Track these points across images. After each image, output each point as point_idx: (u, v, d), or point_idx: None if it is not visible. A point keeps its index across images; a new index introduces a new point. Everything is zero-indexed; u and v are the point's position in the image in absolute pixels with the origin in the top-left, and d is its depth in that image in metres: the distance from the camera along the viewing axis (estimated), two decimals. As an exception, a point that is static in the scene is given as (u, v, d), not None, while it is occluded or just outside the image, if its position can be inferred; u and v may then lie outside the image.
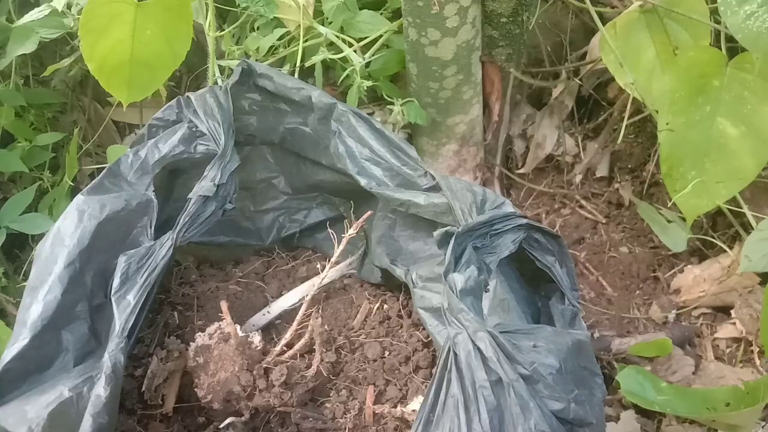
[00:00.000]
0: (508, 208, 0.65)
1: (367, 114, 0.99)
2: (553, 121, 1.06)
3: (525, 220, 0.63)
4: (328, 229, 0.76)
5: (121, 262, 0.63)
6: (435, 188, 0.68)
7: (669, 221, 0.96)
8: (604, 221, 1.03)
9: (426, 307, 0.65)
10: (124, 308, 0.60)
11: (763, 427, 0.77)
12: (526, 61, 1.00)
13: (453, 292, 0.56)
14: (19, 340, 0.59)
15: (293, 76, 0.88)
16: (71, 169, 1.03)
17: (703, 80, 0.76)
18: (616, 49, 0.79)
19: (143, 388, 0.66)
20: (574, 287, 0.67)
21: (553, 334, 0.57)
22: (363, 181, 0.71)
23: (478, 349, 0.52)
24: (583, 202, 1.05)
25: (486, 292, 0.61)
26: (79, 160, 1.09)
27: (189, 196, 0.68)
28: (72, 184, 1.02)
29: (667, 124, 0.75)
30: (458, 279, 0.57)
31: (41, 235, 1.01)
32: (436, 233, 0.60)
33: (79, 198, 0.67)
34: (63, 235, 0.65)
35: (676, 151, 0.77)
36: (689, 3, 0.77)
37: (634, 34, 0.81)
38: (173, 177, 0.77)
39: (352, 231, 0.71)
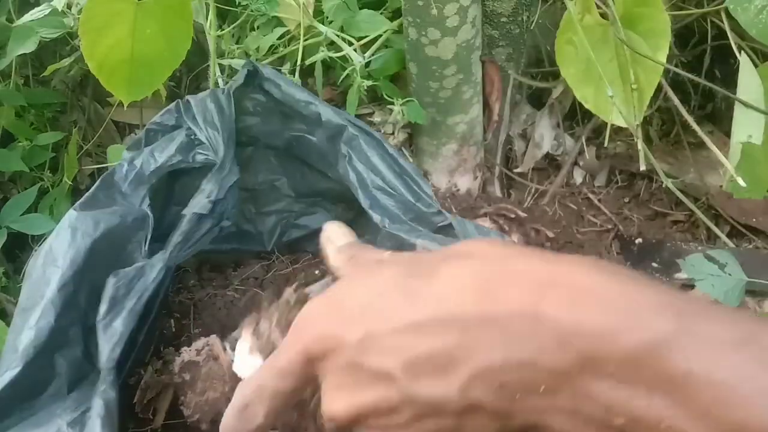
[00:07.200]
0: None
1: (367, 114, 0.99)
2: (551, 120, 1.06)
3: None
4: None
5: (110, 284, 0.59)
6: (449, 227, 0.65)
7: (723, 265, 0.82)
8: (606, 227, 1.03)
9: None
10: (110, 336, 0.56)
11: None
12: (526, 61, 1.00)
13: None
14: (11, 368, 0.56)
15: (293, 75, 0.88)
16: (71, 169, 1.03)
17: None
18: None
19: (134, 400, 0.64)
20: None
21: None
22: (376, 218, 0.67)
23: None
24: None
25: None
26: (79, 160, 1.09)
27: (183, 212, 0.65)
28: (72, 183, 1.02)
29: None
30: None
31: (41, 235, 1.01)
32: None
33: (72, 214, 0.63)
34: (55, 254, 0.61)
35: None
36: (652, 19, 0.76)
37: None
38: (173, 179, 0.75)
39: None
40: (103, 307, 0.58)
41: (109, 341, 0.56)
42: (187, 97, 0.72)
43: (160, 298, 0.74)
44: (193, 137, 0.69)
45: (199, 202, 0.64)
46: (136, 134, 1.17)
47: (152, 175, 0.69)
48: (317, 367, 0.35)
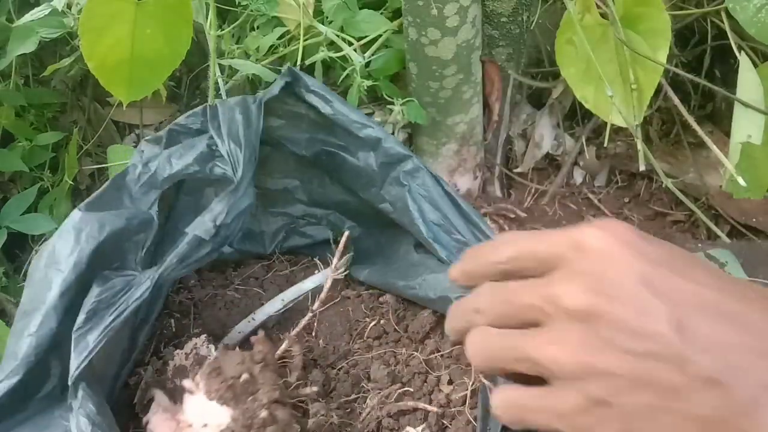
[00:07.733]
0: None
1: (367, 114, 0.99)
2: (551, 120, 1.06)
3: None
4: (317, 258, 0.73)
5: (93, 294, 0.56)
6: None
7: (723, 264, 0.84)
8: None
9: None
10: (82, 350, 0.53)
11: None
12: (526, 61, 1.00)
13: None
14: (11, 376, 0.54)
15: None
16: (71, 169, 1.03)
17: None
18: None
19: (135, 400, 0.63)
20: None
21: None
22: (443, 253, 0.65)
23: None
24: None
25: None
26: (79, 160, 1.09)
27: (186, 230, 0.61)
28: (72, 183, 1.02)
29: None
30: None
31: (41, 235, 1.01)
32: None
33: (76, 214, 0.60)
34: (58, 256, 0.59)
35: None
36: (652, 19, 0.76)
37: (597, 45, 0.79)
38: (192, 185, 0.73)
39: (336, 264, 0.69)
40: (81, 317, 0.55)
41: (80, 355, 0.53)
42: (217, 101, 0.68)
43: (162, 299, 0.74)
44: (214, 148, 0.66)
45: (203, 225, 0.60)
46: (136, 134, 1.17)
47: (165, 181, 0.65)
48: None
